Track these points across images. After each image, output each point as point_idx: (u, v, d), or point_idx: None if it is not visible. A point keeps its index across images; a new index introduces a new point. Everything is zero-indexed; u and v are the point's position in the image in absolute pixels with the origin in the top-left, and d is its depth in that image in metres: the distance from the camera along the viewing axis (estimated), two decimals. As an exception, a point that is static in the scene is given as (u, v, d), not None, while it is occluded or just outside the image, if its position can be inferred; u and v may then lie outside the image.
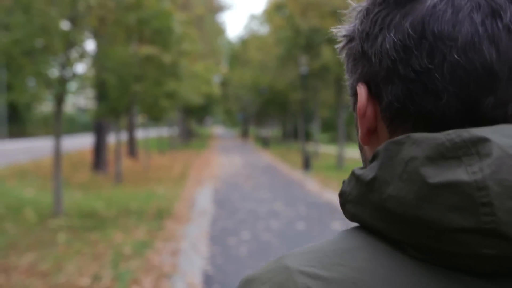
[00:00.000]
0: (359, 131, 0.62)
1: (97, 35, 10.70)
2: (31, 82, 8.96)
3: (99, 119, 15.55)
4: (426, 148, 0.50)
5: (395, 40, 0.56)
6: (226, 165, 20.85)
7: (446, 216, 0.47)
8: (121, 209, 9.52)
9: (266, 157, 25.97)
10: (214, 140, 52.76)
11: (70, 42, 8.62)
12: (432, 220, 0.48)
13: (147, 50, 12.35)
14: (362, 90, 0.60)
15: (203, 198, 11.44)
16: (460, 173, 0.48)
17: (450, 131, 0.50)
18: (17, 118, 38.33)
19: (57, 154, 8.96)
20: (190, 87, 21.70)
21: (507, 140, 0.49)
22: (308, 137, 30.71)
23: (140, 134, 28.93)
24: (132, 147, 23.17)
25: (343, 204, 0.58)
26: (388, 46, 0.56)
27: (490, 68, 0.52)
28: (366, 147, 0.64)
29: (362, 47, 0.60)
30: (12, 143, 33.53)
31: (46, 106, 45.52)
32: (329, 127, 41.71)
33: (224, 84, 50.13)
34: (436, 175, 0.48)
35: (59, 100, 8.88)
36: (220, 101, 52.46)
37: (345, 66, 0.64)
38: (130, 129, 23.13)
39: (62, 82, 8.74)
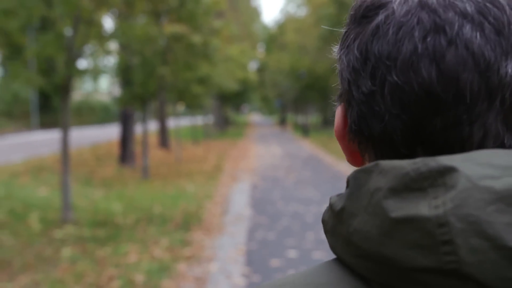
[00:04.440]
0: (344, 154, 0.59)
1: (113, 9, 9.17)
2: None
3: (124, 108, 14.14)
4: (391, 179, 0.45)
5: (347, 62, 0.54)
6: (264, 156, 19.23)
7: (407, 254, 0.43)
8: (142, 214, 8.01)
9: (307, 147, 24.22)
10: (251, 128, 51.18)
11: (77, 14, 7.08)
12: (393, 257, 0.44)
13: (173, 28, 10.81)
14: (338, 111, 0.58)
15: (238, 198, 9.85)
16: (422, 207, 0.43)
17: (417, 160, 0.45)
18: (49, 108, 37.27)
19: (65, 152, 7.48)
20: (224, 72, 20.20)
21: (479, 170, 0.43)
22: (350, 124, 28.76)
23: (173, 123, 27.56)
24: (164, 137, 21.78)
25: (325, 233, 0.53)
26: (342, 67, 0.55)
27: (428, 89, 0.48)
28: None
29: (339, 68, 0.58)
30: (42, 134, 32.65)
31: (77, 95, 44.83)
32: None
33: (260, 69, 48.56)
34: (398, 208, 0.44)
35: (65, 86, 7.39)
36: (257, 87, 50.96)
37: None
38: (162, 118, 21.74)
39: (67, 63, 7.24)
